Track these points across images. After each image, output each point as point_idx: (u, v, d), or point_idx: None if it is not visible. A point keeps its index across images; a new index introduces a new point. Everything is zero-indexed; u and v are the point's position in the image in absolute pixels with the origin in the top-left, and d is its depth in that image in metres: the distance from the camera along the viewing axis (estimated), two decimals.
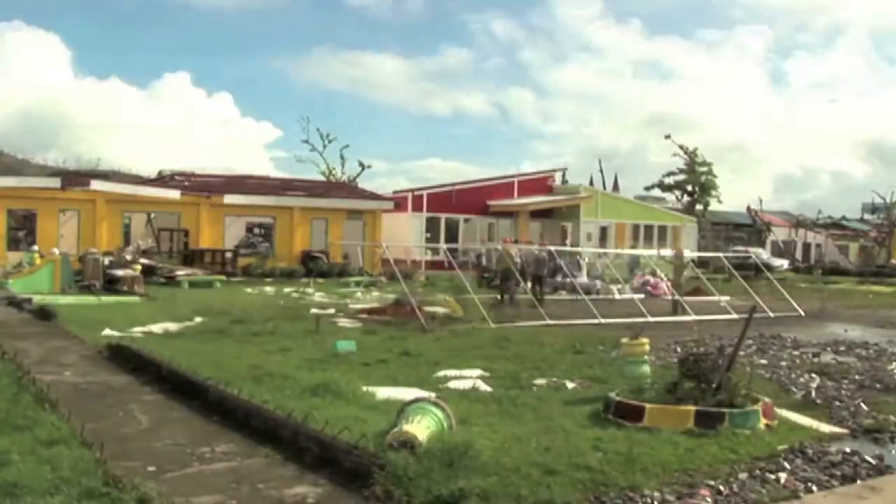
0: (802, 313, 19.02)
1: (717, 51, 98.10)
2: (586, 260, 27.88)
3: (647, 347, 9.45)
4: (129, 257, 23.52)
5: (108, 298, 18.18)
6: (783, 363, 11.08)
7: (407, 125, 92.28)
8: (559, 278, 23.57)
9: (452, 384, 8.86)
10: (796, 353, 12.27)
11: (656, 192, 50.09)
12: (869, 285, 33.62)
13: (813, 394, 8.83)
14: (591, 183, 48.28)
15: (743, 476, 5.61)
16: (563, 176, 43.08)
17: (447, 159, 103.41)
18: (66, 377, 8.69)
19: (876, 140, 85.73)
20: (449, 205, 36.11)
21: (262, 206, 30.95)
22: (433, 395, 7.42)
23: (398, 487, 4.91)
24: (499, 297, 19.65)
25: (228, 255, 28.53)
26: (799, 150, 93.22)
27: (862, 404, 8.27)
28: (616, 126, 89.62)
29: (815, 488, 5.47)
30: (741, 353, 9.27)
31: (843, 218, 59.05)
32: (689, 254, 24.89)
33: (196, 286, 22.70)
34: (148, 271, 22.93)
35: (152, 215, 29.73)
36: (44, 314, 13.94)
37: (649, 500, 5.05)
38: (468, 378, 9.19)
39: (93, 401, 7.55)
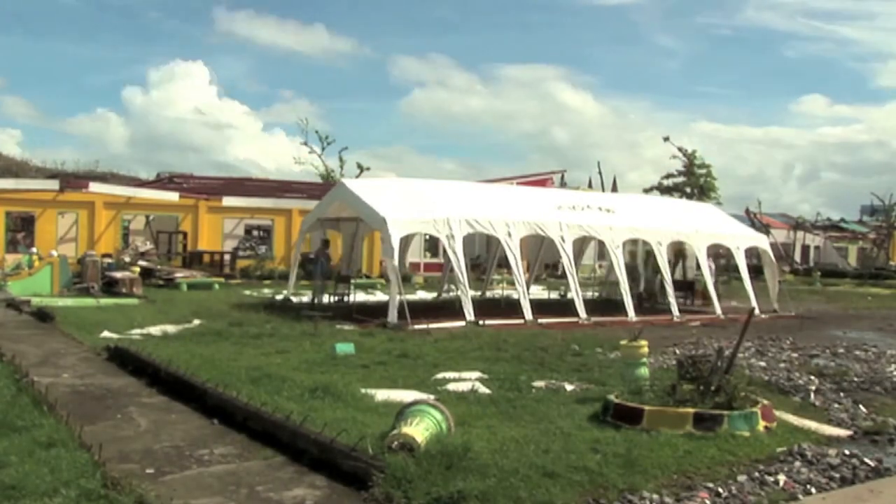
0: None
1: None
2: None
3: (646, 350, 9.44)
4: (127, 259, 23.52)
5: (106, 301, 18.14)
6: (782, 365, 11.08)
7: None
8: None
9: (451, 386, 8.85)
10: (795, 355, 12.28)
11: (655, 195, 50.07)
12: (867, 287, 33.65)
13: (812, 396, 8.83)
14: (590, 185, 48.20)
15: (742, 478, 5.61)
16: (563, 178, 43.07)
17: None
18: (65, 379, 8.67)
19: None
20: None
21: (261, 209, 30.91)
22: (432, 397, 7.45)
23: (397, 489, 4.91)
24: None
25: (227, 257, 28.52)
26: None
27: (861, 406, 8.28)
28: None
29: (813, 490, 5.48)
30: (740, 355, 9.29)
31: (842, 220, 59.08)
32: None
33: (195, 288, 22.68)
34: (146, 273, 22.89)
35: (151, 217, 29.72)
36: (42, 316, 13.91)
37: (648, 503, 5.05)
38: (467, 380, 9.18)
39: (91, 403, 7.54)
